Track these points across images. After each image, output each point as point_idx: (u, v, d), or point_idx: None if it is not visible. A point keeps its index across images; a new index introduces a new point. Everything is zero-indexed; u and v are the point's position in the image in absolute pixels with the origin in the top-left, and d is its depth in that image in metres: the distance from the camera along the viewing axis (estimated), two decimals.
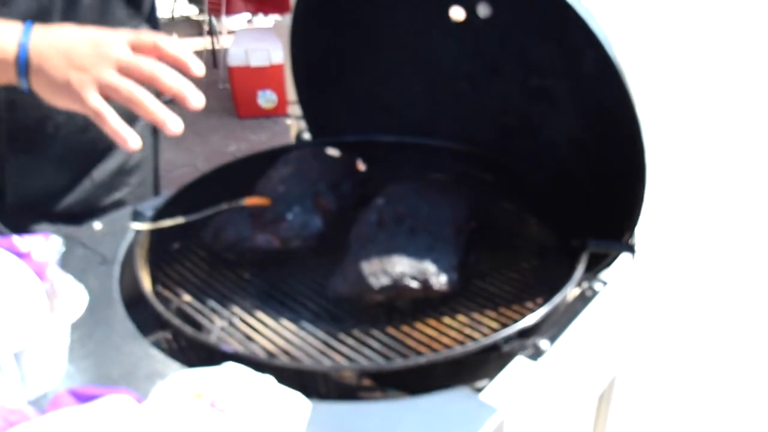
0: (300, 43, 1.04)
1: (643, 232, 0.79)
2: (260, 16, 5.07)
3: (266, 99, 3.69)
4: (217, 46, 4.52)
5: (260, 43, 3.58)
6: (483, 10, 0.90)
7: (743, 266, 2.39)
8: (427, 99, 1.06)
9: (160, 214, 0.87)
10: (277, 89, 3.69)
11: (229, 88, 3.82)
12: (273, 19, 4.28)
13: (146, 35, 0.66)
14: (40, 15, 0.81)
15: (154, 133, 1.08)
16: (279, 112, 3.74)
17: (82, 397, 0.58)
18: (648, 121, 0.74)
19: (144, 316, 0.74)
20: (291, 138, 1.31)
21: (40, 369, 0.61)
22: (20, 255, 0.64)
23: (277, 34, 3.57)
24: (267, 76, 3.60)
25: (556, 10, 0.72)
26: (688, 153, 3.27)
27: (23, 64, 0.66)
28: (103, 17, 0.87)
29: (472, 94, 1.01)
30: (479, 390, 0.62)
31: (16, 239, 0.65)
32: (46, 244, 0.66)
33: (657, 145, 0.80)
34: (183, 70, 0.66)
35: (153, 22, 0.98)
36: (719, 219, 2.69)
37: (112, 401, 0.51)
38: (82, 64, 0.65)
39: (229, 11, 4.16)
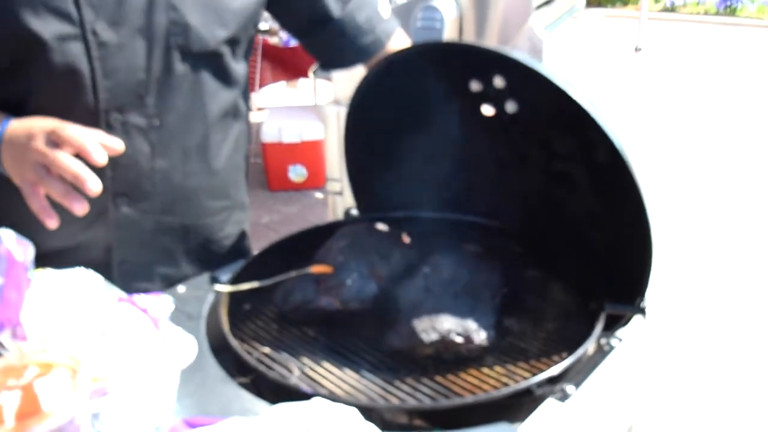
0: (353, 134, 1.21)
1: (652, 295, 0.92)
2: (291, 94, 5.35)
3: (297, 173, 3.90)
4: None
5: (292, 120, 3.82)
6: (510, 107, 1.07)
7: (743, 326, 2.59)
8: (461, 180, 1.21)
9: (237, 278, 1.02)
10: (306, 164, 3.90)
11: (261, 163, 4.03)
12: (309, 101, 4.50)
13: (65, 131, 0.82)
14: (138, 88, 0.96)
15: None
16: (308, 185, 3.94)
17: (194, 426, 0.72)
18: (652, 200, 0.89)
19: (227, 364, 0.88)
20: (324, 210, 1.46)
21: (155, 404, 0.75)
22: (140, 310, 0.79)
23: (314, 115, 3.79)
24: (298, 151, 3.82)
25: (574, 111, 0.88)
26: (693, 224, 3.43)
27: None
28: (195, 89, 1.01)
29: (501, 176, 1.17)
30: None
31: (136, 297, 0.80)
32: (159, 301, 0.81)
33: (663, 217, 0.95)
34: (86, 158, 0.82)
35: (245, 95, 1.12)
36: (722, 285, 2.89)
37: (231, 422, 0.65)
38: (17, 153, 0.85)
39: (261, 84, 4.40)
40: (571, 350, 0.84)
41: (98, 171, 0.95)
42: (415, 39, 1.93)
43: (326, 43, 1.17)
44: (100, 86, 0.93)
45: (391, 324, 0.93)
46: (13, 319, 0.76)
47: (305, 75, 4.38)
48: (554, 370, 0.80)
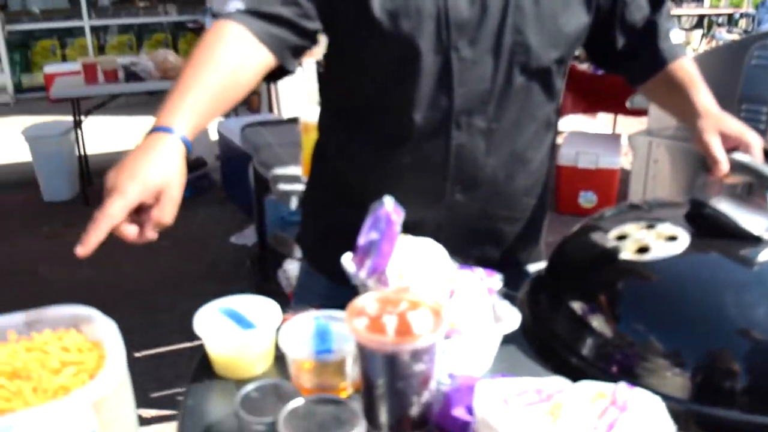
0: None
1: None
2: (588, 122, 5.36)
3: (586, 199, 3.92)
4: None
5: (590, 146, 3.86)
6: None
7: None
8: None
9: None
10: (597, 191, 3.90)
11: (553, 184, 4.12)
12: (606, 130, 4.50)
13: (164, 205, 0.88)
14: (484, 95, 1.14)
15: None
16: (595, 212, 3.94)
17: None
18: None
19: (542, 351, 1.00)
20: None
21: (482, 356, 0.90)
22: (479, 279, 0.95)
23: (613, 144, 3.77)
24: (592, 177, 3.84)
25: None
26: None
27: None
28: (526, 100, 1.18)
29: None
30: None
31: (476, 270, 0.96)
32: (491, 277, 0.96)
33: None
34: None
35: (557, 110, 1.28)
36: None
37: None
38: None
39: (561, 113, 4.50)
40: None
41: (443, 160, 1.16)
42: (747, 77, 1.88)
43: (637, 50, 1.27)
44: (456, 92, 1.14)
45: None
46: (382, 267, 0.97)
47: (606, 107, 4.37)
48: None
